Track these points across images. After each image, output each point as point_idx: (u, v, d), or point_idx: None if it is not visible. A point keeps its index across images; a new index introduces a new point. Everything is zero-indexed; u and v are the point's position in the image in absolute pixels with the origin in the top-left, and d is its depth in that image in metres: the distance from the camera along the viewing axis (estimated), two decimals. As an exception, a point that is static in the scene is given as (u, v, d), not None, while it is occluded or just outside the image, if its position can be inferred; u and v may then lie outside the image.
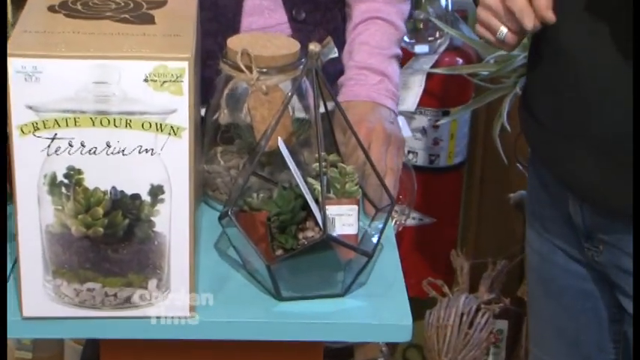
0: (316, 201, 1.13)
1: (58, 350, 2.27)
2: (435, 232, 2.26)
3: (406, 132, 2.08)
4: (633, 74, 1.16)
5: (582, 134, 1.23)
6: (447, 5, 2.01)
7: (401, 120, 2.06)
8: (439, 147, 2.21)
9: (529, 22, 1.15)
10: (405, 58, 2.07)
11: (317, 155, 1.18)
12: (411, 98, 2.07)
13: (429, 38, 2.06)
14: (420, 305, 1.71)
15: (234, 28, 1.42)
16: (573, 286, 1.38)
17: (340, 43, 1.45)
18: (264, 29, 1.43)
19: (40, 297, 1.08)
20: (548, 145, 1.31)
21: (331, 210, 1.13)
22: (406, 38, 2.03)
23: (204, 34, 1.28)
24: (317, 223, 1.13)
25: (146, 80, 1.02)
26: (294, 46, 1.28)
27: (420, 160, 2.21)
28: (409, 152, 2.20)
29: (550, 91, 1.28)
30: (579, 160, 1.24)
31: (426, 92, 2.10)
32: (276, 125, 1.17)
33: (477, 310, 1.99)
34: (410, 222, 2.16)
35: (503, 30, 1.19)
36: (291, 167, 1.13)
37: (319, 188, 1.13)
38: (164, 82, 1.02)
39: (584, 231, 1.31)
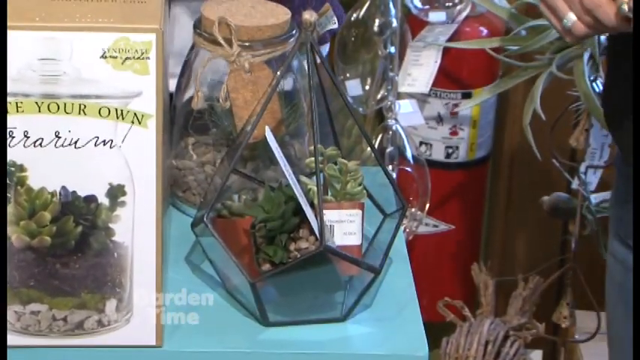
0: (311, 204, 1.14)
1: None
2: (453, 241, 2.28)
3: (418, 119, 2.11)
4: (633, 74, 1.17)
5: None
6: (469, -38, 2.03)
7: (411, 104, 2.09)
8: (458, 138, 2.23)
9: (607, 20, 1.14)
10: (417, 27, 2.09)
11: (311, 148, 1.19)
12: (424, 77, 2.09)
13: (447, 4, 2.08)
14: (434, 331, 1.71)
15: None
16: None
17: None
18: None
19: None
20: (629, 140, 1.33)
21: (330, 216, 1.14)
22: (418, 3, 2.05)
23: None
24: (312, 232, 1.14)
25: (104, 57, 1.03)
26: (284, 14, 1.29)
27: (435, 153, 2.23)
28: (421, 144, 2.22)
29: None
30: None
31: (442, 70, 2.11)
32: (262, 111, 1.18)
33: (505, 337, 2.01)
34: (422, 229, 2.17)
35: (571, 17, 1.19)
36: (280, 163, 1.14)
37: (315, 189, 1.14)
38: (126, 58, 1.03)
39: None
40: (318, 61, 1.19)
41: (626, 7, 1.13)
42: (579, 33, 1.20)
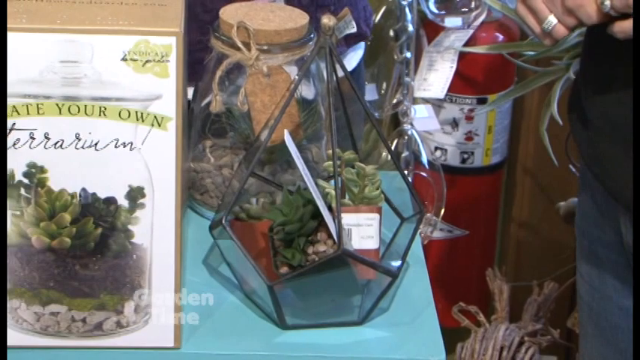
0: (329, 208, 1.15)
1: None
2: (468, 246, 2.28)
3: (433, 124, 2.11)
4: (633, 75, 1.17)
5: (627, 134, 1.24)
6: (485, -32, 2.03)
7: (427, 109, 2.10)
8: (473, 143, 2.23)
9: (588, 18, 1.15)
10: (433, 33, 2.10)
11: (329, 152, 1.20)
12: (440, 83, 2.09)
13: (463, 9, 2.08)
14: (449, 337, 1.72)
15: None
16: (627, 326, 1.40)
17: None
18: None
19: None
20: (592, 145, 1.33)
21: (348, 219, 1.15)
22: (434, 9, 2.05)
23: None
24: (330, 236, 1.15)
25: (125, 59, 1.04)
26: (302, 18, 1.29)
27: (450, 158, 2.23)
28: (437, 149, 2.22)
29: (600, 86, 1.29)
30: (618, 161, 1.25)
31: (457, 75, 2.11)
32: (280, 115, 1.19)
33: (520, 343, 2.01)
34: (437, 234, 2.17)
35: (552, 20, 1.19)
36: (299, 166, 1.15)
37: (333, 193, 1.15)
38: (146, 61, 1.04)
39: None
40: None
41: (608, 4, 1.13)
42: (559, 35, 1.20)
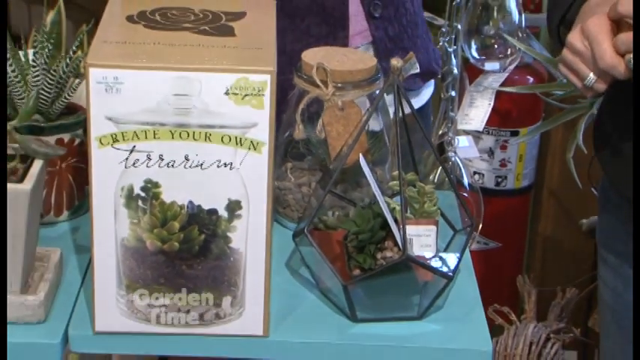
0: (395, 220, 1.15)
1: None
2: (500, 256, 2.27)
3: (473, 152, 2.10)
4: (634, 77, 1.16)
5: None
6: (519, 21, 2.02)
7: (468, 140, 2.09)
8: (507, 169, 2.23)
9: (620, 75, 1.16)
10: (474, 74, 2.09)
11: (393, 173, 1.20)
12: (479, 117, 2.09)
13: (500, 55, 2.08)
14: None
15: (344, 27, 1.49)
16: None
17: (412, 39, 1.53)
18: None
19: (112, 312, 1.11)
20: (620, 169, 1.32)
21: (410, 230, 1.15)
22: (476, 54, 2.05)
23: (315, 38, 1.35)
24: (396, 244, 1.15)
25: (227, 93, 1.04)
26: (371, 60, 1.30)
27: (487, 182, 2.23)
28: (475, 173, 2.21)
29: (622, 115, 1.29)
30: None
31: (494, 111, 2.11)
32: (354, 142, 1.19)
33: (547, 339, 1.99)
34: (475, 246, 2.17)
35: (592, 77, 1.19)
36: (372, 185, 1.15)
37: (398, 207, 1.15)
38: (245, 95, 1.04)
39: None
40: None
41: (632, 60, 1.14)
42: (601, 90, 1.21)
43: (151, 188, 1.07)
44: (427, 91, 1.65)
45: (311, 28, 1.49)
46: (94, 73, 1.03)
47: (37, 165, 1.13)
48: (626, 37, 1.14)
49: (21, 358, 1.10)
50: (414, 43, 1.57)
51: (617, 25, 1.17)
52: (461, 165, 2.07)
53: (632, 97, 1.19)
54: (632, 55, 1.14)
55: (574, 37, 1.19)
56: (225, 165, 1.06)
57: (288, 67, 1.28)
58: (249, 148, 1.06)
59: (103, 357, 2.27)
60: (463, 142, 2.09)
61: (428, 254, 1.16)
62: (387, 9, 1.54)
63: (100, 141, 1.05)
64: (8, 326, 1.10)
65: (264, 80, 1.04)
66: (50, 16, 1.27)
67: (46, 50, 1.23)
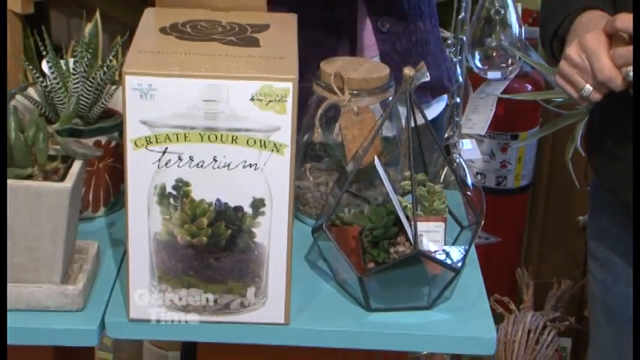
0: (407, 217, 1.14)
1: (136, 351, 2.30)
2: (500, 251, 2.26)
3: (476, 155, 2.10)
4: (634, 87, 1.16)
5: None
6: (519, 34, 2.01)
7: (471, 143, 2.08)
8: (507, 170, 2.22)
9: (617, 87, 1.15)
10: (477, 83, 2.09)
11: (405, 174, 1.19)
12: (482, 122, 2.08)
13: (501, 64, 2.07)
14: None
15: (352, 40, 1.47)
16: (630, 315, 1.37)
17: (422, 55, 1.51)
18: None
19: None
20: (613, 172, 1.31)
21: (420, 227, 1.14)
22: (479, 64, 2.04)
23: (324, 49, 1.35)
24: (408, 239, 1.14)
25: (252, 99, 1.04)
26: (384, 70, 1.29)
27: (489, 181, 2.22)
28: (478, 174, 2.21)
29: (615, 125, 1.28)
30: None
31: (495, 117, 2.10)
32: (369, 145, 1.18)
33: (544, 327, 1.99)
34: (476, 241, 2.14)
35: (588, 88, 1.18)
36: (386, 185, 1.14)
37: (409, 205, 1.14)
38: (269, 101, 1.04)
39: None
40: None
41: (631, 74, 1.13)
42: (596, 100, 1.20)
43: (181, 187, 1.07)
44: (438, 106, 1.63)
45: (320, 39, 1.48)
46: (130, 81, 1.03)
47: (77, 165, 1.13)
48: (624, 51, 1.13)
49: (61, 343, 1.10)
50: (423, 59, 1.54)
51: (611, 39, 1.17)
52: (465, 166, 2.06)
53: (632, 107, 1.18)
54: (631, 68, 1.13)
55: (572, 51, 1.18)
56: (251, 165, 1.06)
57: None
58: (273, 150, 1.06)
59: (135, 345, 2.29)
60: (467, 145, 2.08)
61: (437, 249, 1.16)
62: (396, 25, 1.52)
63: (135, 143, 1.05)
64: (49, 314, 1.10)
65: (287, 87, 1.04)
66: (88, 28, 1.27)
67: (85, 59, 1.23)
